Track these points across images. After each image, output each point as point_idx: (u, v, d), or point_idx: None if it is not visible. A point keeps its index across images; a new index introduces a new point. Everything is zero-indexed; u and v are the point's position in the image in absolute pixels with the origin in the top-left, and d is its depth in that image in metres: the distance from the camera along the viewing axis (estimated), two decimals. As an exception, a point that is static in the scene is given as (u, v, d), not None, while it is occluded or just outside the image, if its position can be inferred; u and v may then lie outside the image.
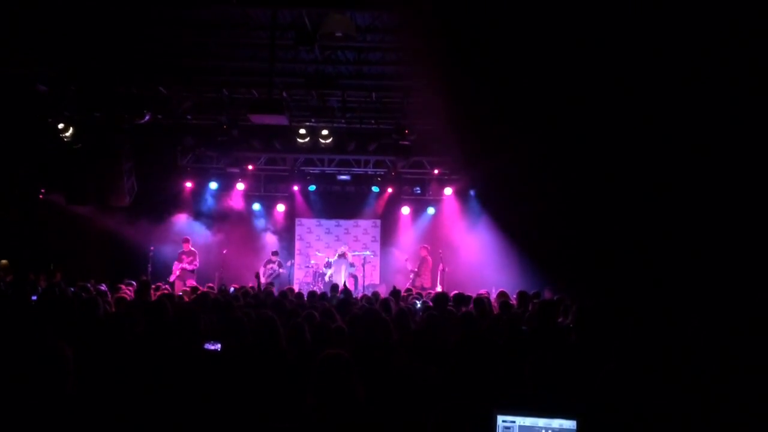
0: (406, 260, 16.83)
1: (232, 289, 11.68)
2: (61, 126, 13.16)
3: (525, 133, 9.85)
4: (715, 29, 6.71)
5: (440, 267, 15.98)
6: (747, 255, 7.86)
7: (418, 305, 9.12)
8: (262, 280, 15.69)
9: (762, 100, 6.91)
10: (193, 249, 15.60)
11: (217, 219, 17.87)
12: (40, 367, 3.71)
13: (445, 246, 16.91)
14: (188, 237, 15.90)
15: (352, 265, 16.61)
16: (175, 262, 15.50)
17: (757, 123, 7.18)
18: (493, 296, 10.47)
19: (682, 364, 4.87)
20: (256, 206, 18.23)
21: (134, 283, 10.81)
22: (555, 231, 13.88)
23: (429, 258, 16.47)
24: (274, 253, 16.86)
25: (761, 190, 7.49)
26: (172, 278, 14.91)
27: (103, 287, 11.45)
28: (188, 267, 15.26)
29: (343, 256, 16.66)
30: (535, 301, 9.33)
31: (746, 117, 7.26)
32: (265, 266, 16.52)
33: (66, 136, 13.28)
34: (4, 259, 14.45)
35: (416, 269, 16.42)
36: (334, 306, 8.06)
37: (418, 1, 7.72)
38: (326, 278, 16.42)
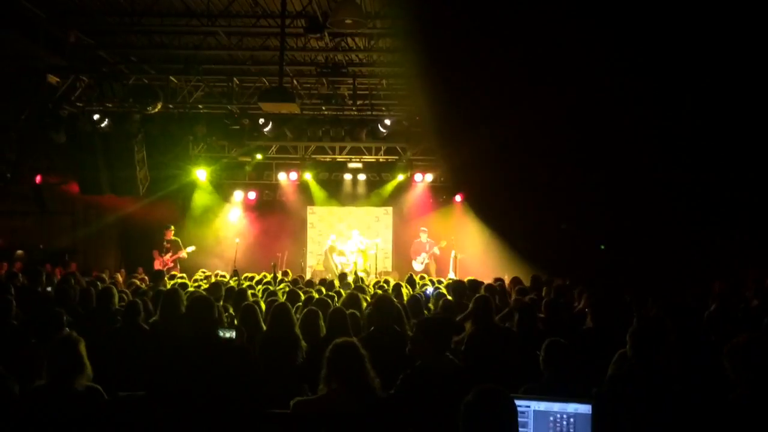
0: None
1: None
2: (73, 117, 13.20)
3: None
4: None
5: (452, 254, 15.97)
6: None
7: (429, 291, 9.10)
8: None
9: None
10: (176, 238, 15.40)
11: (230, 208, 17.94)
12: (52, 359, 3.74)
13: (458, 233, 16.89)
14: (170, 225, 15.54)
15: (364, 252, 16.62)
16: (155, 252, 15.17)
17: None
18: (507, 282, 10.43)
19: (696, 347, 4.85)
20: (268, 194, 18.27)
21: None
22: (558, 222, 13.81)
23: (430, 240, 16.47)
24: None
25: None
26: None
27: (118, 276, 11.55)
28: (176, 257, 15.04)
29: (354, 243, 16.69)
30: (551, 285, 9.28)
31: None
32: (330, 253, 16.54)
33: (78, 127, 13.32)
34: (19, 249, 14.56)
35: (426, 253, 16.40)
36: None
37: None
38: (339, 266, 16.45)
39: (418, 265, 16.36)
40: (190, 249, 15.25)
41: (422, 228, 16.79)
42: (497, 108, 10.02)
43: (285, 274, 12.70)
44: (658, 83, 8.57)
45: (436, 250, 16.35)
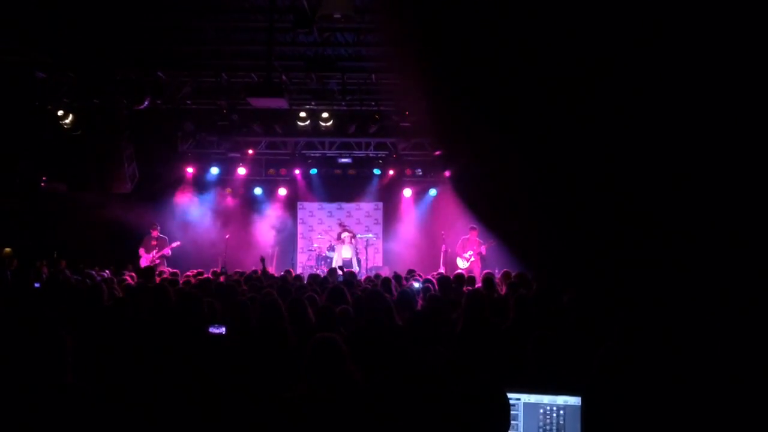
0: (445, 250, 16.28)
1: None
2: (60, 113, 13.11)
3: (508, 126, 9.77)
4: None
5: (443, 248, 15.95)
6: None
7: (416, 286, 9.08)
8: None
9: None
10: (162, 236, 15.06)
11: (219, 204, 17.88)
12: (39, 356, 3.71)
13: (448, 227, 16.89)
14: (156, 222, 15.13)
15: (355, 248, 16.58)
16: (141, 249, 14.77)
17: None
18: (497, 277, 10.42)
19: (679, 341, 4.88)
20: (258, 190, 18.23)
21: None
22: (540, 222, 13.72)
23: (479, 239, 15.84)
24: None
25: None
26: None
27: (107, 273, 11.48)
28: (162, 253, 14.71)
29: (345, 239, 16.63)
30: (539, 280, 9.30)
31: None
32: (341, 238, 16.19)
33: (66, 124, 13.23)
34: (7, 247, 14.46)
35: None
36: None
37: None
38: (330, 261, 16.41)
39: (463, 262, 15.80)
40: (175, 244, 15.07)
41: (472, 226, 16.14)
42: (495, 100, 9.91)
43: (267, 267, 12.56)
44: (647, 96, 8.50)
45: (483, 250, 15.77)
